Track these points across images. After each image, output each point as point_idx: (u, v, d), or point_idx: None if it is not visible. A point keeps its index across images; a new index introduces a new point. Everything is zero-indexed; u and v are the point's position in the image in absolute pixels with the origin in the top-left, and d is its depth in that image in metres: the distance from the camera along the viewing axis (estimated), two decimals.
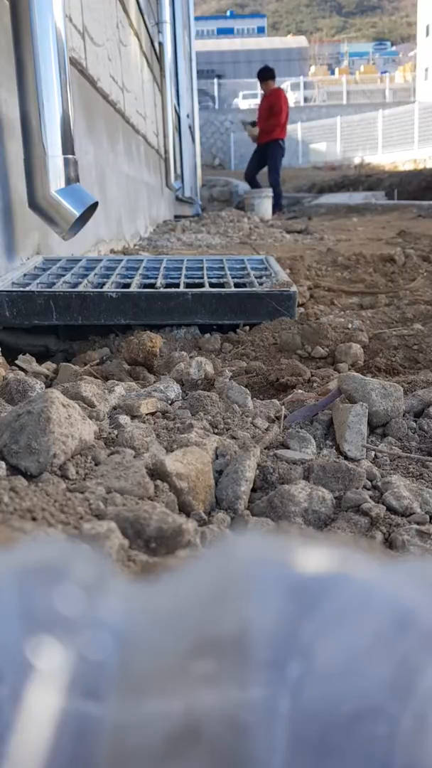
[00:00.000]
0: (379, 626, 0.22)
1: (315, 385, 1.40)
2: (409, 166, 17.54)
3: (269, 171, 9.34)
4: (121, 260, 2.30)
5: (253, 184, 9.59)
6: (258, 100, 10.05)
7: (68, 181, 1.87)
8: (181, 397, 1.27)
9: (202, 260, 2.34)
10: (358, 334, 1.71)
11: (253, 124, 9.57)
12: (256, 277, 2.04)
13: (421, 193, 12.10)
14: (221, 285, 1.98)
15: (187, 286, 1.92)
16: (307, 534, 0.82)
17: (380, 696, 0.20)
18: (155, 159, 6.33)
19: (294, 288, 1.90)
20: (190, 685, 0.21)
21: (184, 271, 2.12)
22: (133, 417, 1.10)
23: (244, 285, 1.99)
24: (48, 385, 1.37)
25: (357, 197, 11.94)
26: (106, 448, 0.95)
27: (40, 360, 1.60)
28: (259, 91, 10.18)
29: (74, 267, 2.08)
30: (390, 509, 0.88)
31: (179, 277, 2.04)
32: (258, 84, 9.39)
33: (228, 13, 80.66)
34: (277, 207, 9.39)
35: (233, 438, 1.06)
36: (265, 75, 9.00)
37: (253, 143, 9.57)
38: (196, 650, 0.21)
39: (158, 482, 0.85)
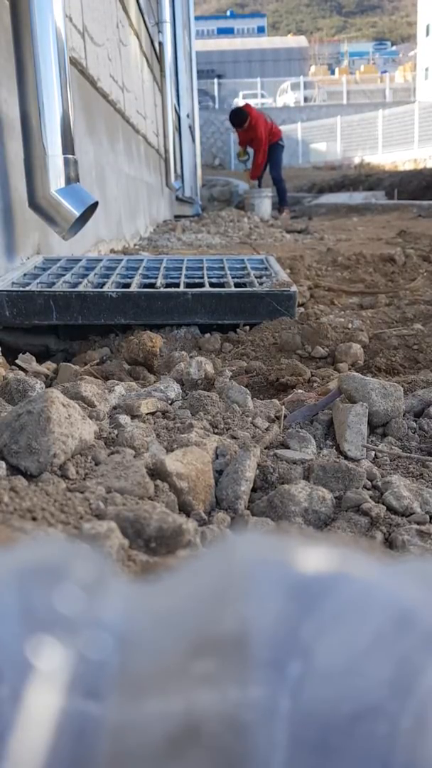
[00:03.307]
0: (379, 626, 0.22)
1: (315, 385, 1.40)
2: (409, 166, 17.53)
3: (271, 168, 9.39)
4: (121, 260, 2.30)
5: (259, 184, 9.64)
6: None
7: (68, 180, 1.87)
8: (181, 397, 1.27)
9: (202, 260, 2.34)
10: (358, 334, 1.71)
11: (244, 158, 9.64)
12: (256, 277, 2.04)
13: (421, 192, 12.09)
14: (221, 285, 1.98)
15: (187, 285, 1.92)
16: (307, 534, 0.82)
17: (380, 696, 0.20)
18: (155, 159, 6.33)
19: (294, 288, 1.90)
20: (190, 685, 0.21)
21: (184, 271, 2.12)
22: (133, 417, 1.10)
23: (244, 285, 1.99)
24: (48, 385, 1.37)
25: (357, 197, 11.94)
26: (106, 447, 0.95)
27: (40, 360, 1.60)
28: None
29: (74, 267, 2.08)
30: (390, 509, 0.88)
31: (179, 277, 2.04)
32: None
33: (228, 13, 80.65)
34: (282, 202, 9.38)
35: (233, 438, 1.06)
36: (241, 120, 8.94)
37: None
38: (196, 650, 0.21)
39: (158, 482, 0.85)
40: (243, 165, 9.87)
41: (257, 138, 9.01)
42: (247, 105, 9.35)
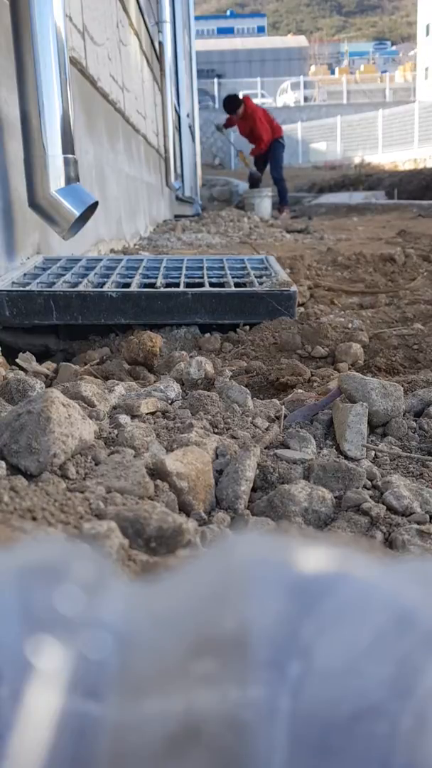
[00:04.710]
0: (379, 626, 0.22)
1: (315, 384, 1.40)
2: (409, 166, 17.53)
3: (271, 167, 9.31)
4: (121, 260, 2.30)
5: (257, 186, 9.58)
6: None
7: (68, 180, 1.87)
8: (181, 397, 1.27)
9: (202, 260, 2.34)
10: (358, 334, 1.71)
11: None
12: (256, 277, 2.04)
13: (421, 192, 12.09)
14: (221, 285, 1.98)
15: (187, 285, 1.92)
16: (307, 533, 0.82)
17: (380, 695, 0.20)
18: (155, 158, 6.33)
19: (294, 287, 1.90)
20: (190, 685, 0.21)
21: (184, 271, 2.12)
22: (133, 416, 1.10)
23: (244, 285, 1.99)
24: (48, 385, 1.37)
25: (357, 197, 11.94)
26: (106, 447, 0.95)
27: (40, 359, 1.60)
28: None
29: (74, 266, 2.08)
30: (390, 509, 0.88)
31: (179, 277, 2.04)
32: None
33: (228, 13, 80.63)
34: (283, 201, 9.32)
35: (233, 437, 1.06)
36: (235, 105, 8.90)
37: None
38: (196, 650, 0.21)
39: (158, 482, 0.85)
40: (242, 163, 9.87)
41: (256, 122, 8.84)
42: (245, 97, 9.30)
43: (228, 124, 9.45)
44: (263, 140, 8.99)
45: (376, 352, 1.62)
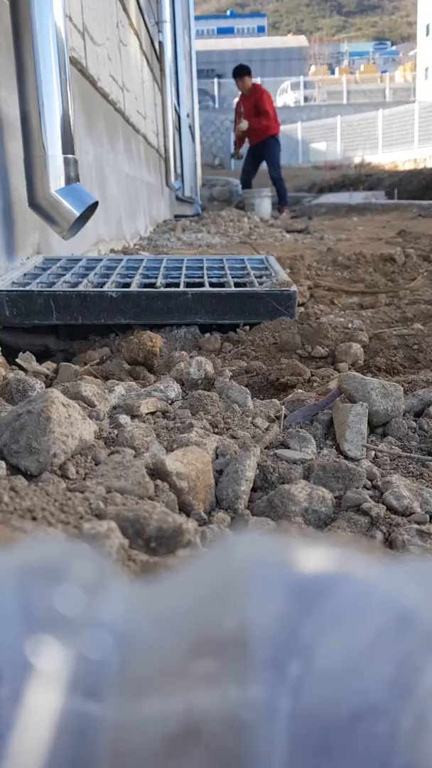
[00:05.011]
0: (379, 626, 0.22)
1: (315, 384, 1.40)
2: (409, 166, 17.53)
3: (270, 167, 9.19)
4: (121, 260, 2.30)
5: (249, 186, 9.51)
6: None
7: (68, 180, 1.87)
8: (181, 397, 1.27)
9: (202, 260, 2.34)
10: (358, 334, 1.71)
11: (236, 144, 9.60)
12: (256, 277, 2.04)
13: (421, 192, 12.10)
14: (221, 285, 1.97)
15: (188, 285, 1.92)
16: (307, 534, 0.82)
17: (380, 695, 0.20)
18: (155, 158, 6.33)
19: (294, 287, 1.90)
20: (190, 685, 0.21)
21: (184, 271, 2.12)
22: (133, 417, 1.10)
23: (244, 284, 1.99)
24: (48, 385, 1.37)
25: (357, 197, 11.94)
26: (106, 447, 0.95)
27: (40, 359, 1.60)
28: None
29: (74, 266, 2.08)
30: (390, 509, 0.88)
31: (179, 277, 2.04)
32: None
33: (228, 13, 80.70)
34: (282, 202, 9.24)
35: (233, 437, 1.06)
36: (242, 71, 8.83)
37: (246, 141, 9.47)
38: (196, 650, 0.21)
39: (158, 482, 0.85)
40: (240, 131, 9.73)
41: (263, 97, 8.76)
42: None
43: (238, 141, 9.43)
44: (269, 114, 8.93)
45: (376, 352, 1.62)
